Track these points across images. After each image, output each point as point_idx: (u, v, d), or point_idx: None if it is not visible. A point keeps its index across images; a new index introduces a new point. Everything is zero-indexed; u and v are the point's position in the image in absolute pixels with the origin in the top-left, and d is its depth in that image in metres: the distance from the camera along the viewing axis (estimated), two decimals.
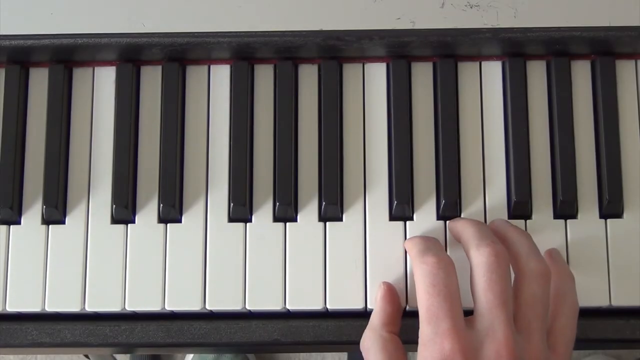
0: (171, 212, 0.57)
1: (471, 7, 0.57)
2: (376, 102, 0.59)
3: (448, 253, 0.55)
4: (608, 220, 0.57)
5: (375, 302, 0.55)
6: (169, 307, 0.56)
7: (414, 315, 0.52)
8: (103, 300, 0.57)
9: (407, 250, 0.55)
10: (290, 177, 0.57)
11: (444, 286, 0.49)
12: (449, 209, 0.57)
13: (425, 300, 0.49)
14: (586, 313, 0.56)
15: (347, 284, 0.56)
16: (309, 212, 0.58)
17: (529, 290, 0.50)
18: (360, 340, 0.54)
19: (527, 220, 0.57)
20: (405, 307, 0.56)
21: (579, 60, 0.60)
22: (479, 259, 0.50)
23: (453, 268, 0.50)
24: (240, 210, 0.57)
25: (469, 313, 0.50)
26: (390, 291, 0.55)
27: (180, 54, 0.59)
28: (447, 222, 0.57)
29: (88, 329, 0.57)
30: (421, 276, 0.50)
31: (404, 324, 0.54)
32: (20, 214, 0.58)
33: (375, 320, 0.54)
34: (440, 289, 0.49)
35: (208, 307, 0.56)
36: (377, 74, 0.60)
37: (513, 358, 0.47)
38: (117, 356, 1.25)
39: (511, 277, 0.51)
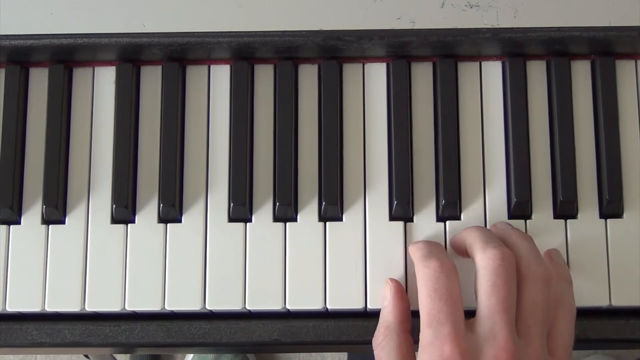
0: (171, 212, 0.57)
1: (471, 7, 0.57)
2: (376, 102, 0.59)
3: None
4: (608, 220, 0.57)
5: (386, 299, 0.54)
6: (168, 307, 0.56)
7: (414, 314, 0.52)
8: (103, 300, 0.57)
9: (410, 254, 0.55)
10: (290, 177, 0.57)
11: (446, 290, 0.49)
12: (449, 209, 0.57)
13: (426, 304, 0.49)
14: (586, 313, 0.56)
15: (347, 284, 0.56)
16: (309, 212, 0.58)
17: (530, 295, 0.50)
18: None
19: (527, 221, 0.57)
20: None
21: (579, 60, 0.60)
22: (485, 262, 0.50)
23: (455, 272, 0.50)
24: (240, 210, 0.57)
25: (471, 314, 0.50)
26: (401, 287, 0.55)
27: (180, 54, 0.59)
28: (449, 240, 0.56)
29: (88, 329, 0.57)
30: (423, 280, 0.50)
31: None
32: (20, 214, 0.58)
33: (389, 317, 0.53)
34: (442, 293, 0.49)
35: (208, 307, 0.56)
36: (377, 74, 0.60)
37: None
38: (117, 356, 1.25)
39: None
